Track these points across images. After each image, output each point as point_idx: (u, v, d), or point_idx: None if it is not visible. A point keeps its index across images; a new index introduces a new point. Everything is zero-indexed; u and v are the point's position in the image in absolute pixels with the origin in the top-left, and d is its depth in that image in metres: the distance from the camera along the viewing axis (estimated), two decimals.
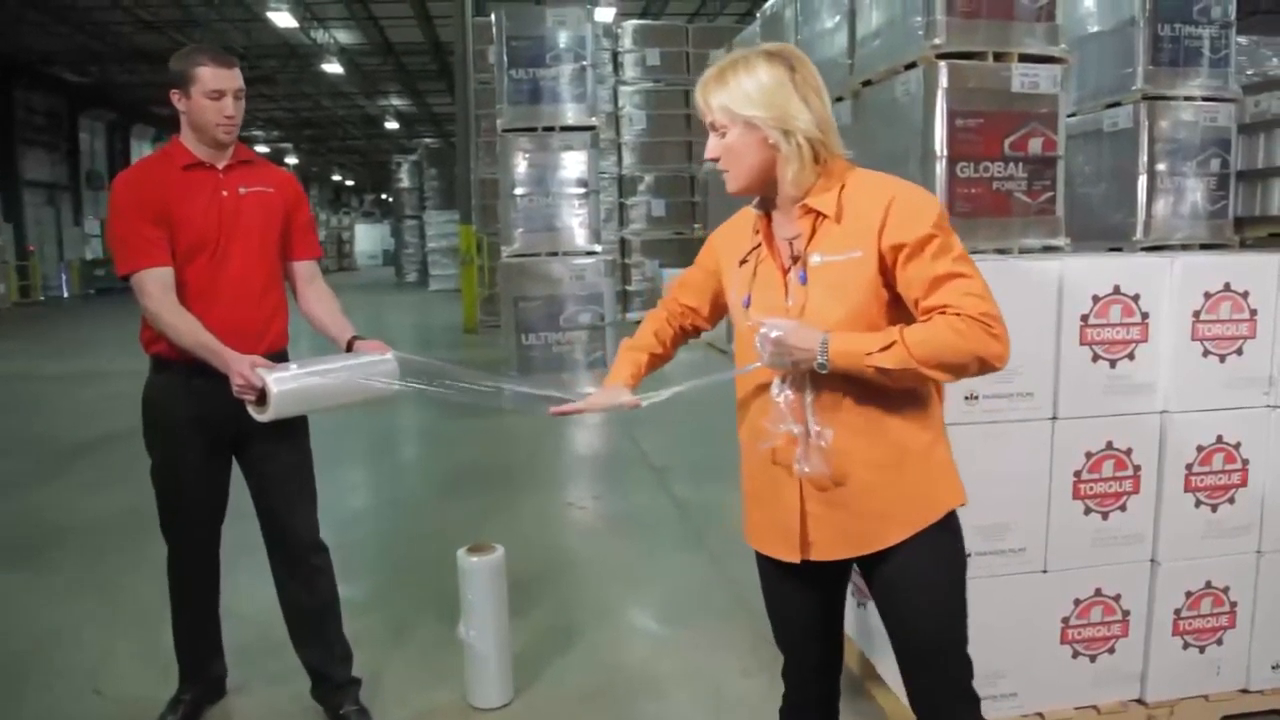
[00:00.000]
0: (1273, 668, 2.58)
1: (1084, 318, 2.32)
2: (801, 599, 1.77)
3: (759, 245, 1.66)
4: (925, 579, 1.63)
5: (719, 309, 1.89)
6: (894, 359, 1.46)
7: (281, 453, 2.58)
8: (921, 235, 1.48)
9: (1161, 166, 6.64)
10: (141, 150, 27.44)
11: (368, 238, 38.59)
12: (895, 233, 1.50)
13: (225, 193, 2.46)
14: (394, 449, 7.00)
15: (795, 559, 1.65)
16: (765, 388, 1.61)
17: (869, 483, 1.58)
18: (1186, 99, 6.59)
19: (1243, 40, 8.18)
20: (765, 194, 1.62)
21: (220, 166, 2.47)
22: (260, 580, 2.79)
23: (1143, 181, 6.62)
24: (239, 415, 2.30)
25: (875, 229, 1.51)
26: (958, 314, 1.44)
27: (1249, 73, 9.05)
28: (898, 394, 1.56)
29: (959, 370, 1.48)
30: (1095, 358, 2.34)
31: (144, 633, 3.22)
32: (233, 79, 2.40)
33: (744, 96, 1.55)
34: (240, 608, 3.09)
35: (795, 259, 1.60)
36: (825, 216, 1.56)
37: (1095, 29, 6.99)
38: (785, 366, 1.53)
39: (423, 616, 3.43)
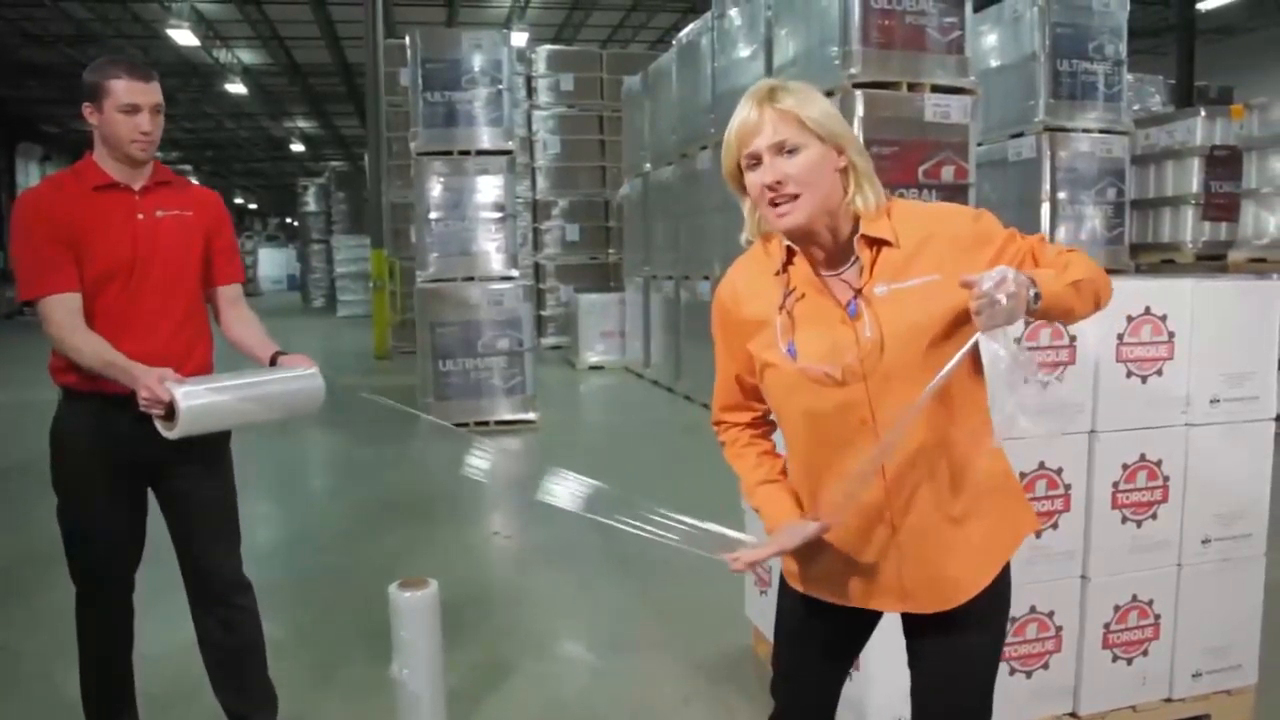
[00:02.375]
0: (1193, 676, 2.66)
1: (1016, 341, 2.36)
2: (831, 646, 1.70)
3: (793, 290, 1.51)
4: (986, 620, 1.58)
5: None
6: (1079, 272, 1.43)
7: (203, 487, 2.44)
8: (1004, 234, 1.49)
9: (1063, 195, 6.98)
10: (28, 170, 26.15)
11: (272, 262, 37.54)
12: (981, 243, 1.47)
13: (141, 216, 2.31)
14: (306, 479, 6.76)
15: (899, 609, 1.57)
16: (849, 424, 1.49)
17: (972, 519, 1.53)
18: (1084, 131, 6.95)
19: (1129, 77, 8.66)
20: (815, 229, 1.47)
21: (136, 188, 2.32)
22: (172, 619, 2.63)
23: (1046, 209, 6.94)
24: (157, 449, 2.16)
25: (957, 247, 1.46)
26: (1070, 251, 1.48)
27: (1135, 108, 9.58)
28: (979, 412, 1.52)
29: (1101, 297, 1.48)
30: (1026, 380, 2.39)
31: (44, 686, 3.00)
32: (150, 93, 2.27)
33: (823, 113, 1.44)
34: (150, 650, 2.89)
35: (857, 292, 1.47)
36: (887, 244, 1.47)
37: (998, 63, 7.32)
38: (1015, 316, 1.34)
39: (350, 656, 3.29)
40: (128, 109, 2.23)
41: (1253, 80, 15.02)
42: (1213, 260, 7.60)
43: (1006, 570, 1.60)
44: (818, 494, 1.55)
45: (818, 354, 1.48)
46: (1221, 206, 7.56)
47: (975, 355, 1.43)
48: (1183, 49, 14.19)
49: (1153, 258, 7.92)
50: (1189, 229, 7.83)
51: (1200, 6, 15.00)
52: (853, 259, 1.50)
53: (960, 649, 1.59)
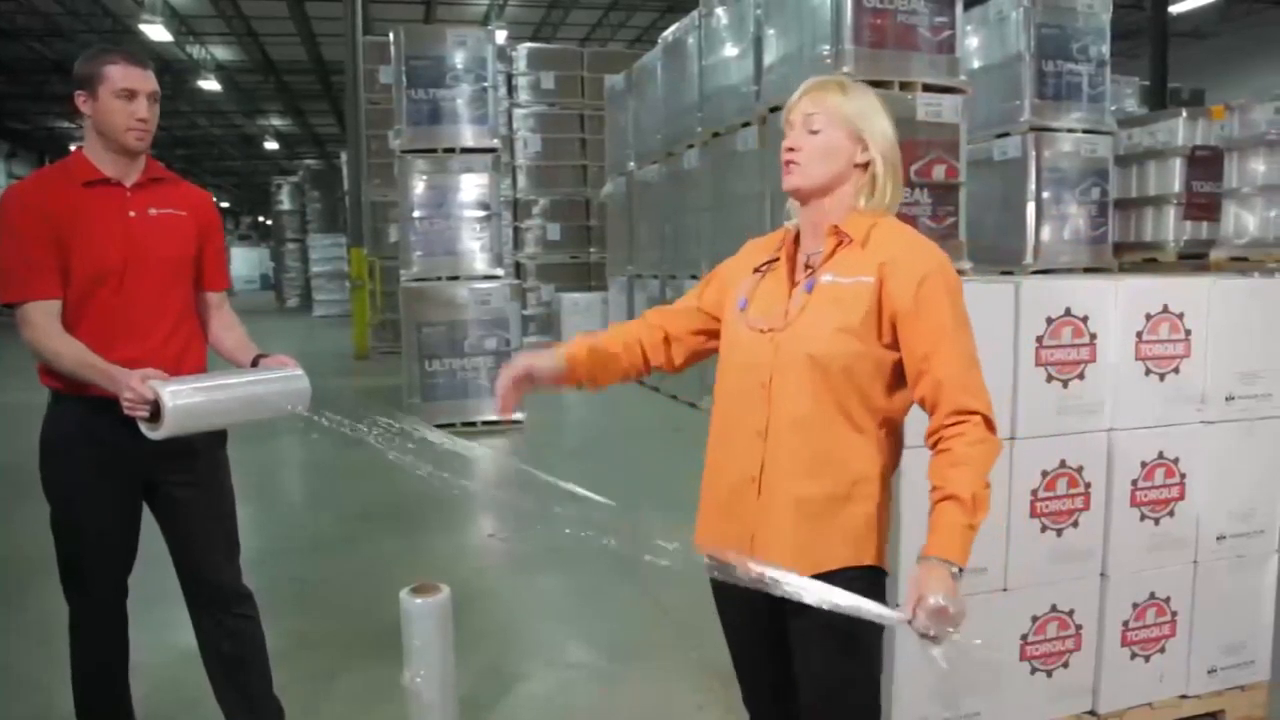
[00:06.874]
0: (1208, 672, 2.67)
1: (1039, 339, 2.36)
2: (752, 613, 1.71)
3: (776, 259, 1.71)
4: (839, 623, 1.53)
5: (692, 346, 1.86)
6: (984, 504, 1.50)
7: (198, 492, 2.37)
8: (925, 272, 1.55)
9: (1047, 194, 7.02)
10: None
11: (245, 262, 37.16)
12: (899, 272, 1.56)
13: (133, 213, 2.23)
14: (290, 484, 6.67)
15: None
16: (750, 383, 1.63)
17: (821, 510, 1.59)
18: (1069, 131, 6.99)
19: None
20: (812, 203, 1.66)
21: (128, 183, 2.24)
22: (169, 627, 2.55)
23: (1031, 208, 6.97)
24: (150, 452, 2.08)
25: (898, 284, 1.55)
26: (963, 435, 1.51)
27: (1112, 109, 9.71)
28: (875, 423, 1.60)
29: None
30: (1049, 378, 2.38)
31: (37, 699, 2.91)
32: (146, 80, 2.20)
33: (857, 112, 1.63)
34: (147, 659, 2.83)
35: (808, 270, 1.65)
36: (850, 241, 1.62)
37: (982, 63, 7.34)
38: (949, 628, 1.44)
39: (352, 663, 3.23)
40: (124, 94, 2.16)
41: (1223, 82, 15.23)
42: (1194, 259, 7.69)
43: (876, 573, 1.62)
44: (722, 452, 1.69)
45: (760, 314, 1.66)
46: (1203, 206, 7.65)
47: (896, 372, 1.58)
48: (1156, 51, 14.36)
49: (1135, 257, 8.00)
50: (1171, 228, 7.91)
51: (1172, 9, 15.19)
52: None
53: (818, 621, 1.54)
